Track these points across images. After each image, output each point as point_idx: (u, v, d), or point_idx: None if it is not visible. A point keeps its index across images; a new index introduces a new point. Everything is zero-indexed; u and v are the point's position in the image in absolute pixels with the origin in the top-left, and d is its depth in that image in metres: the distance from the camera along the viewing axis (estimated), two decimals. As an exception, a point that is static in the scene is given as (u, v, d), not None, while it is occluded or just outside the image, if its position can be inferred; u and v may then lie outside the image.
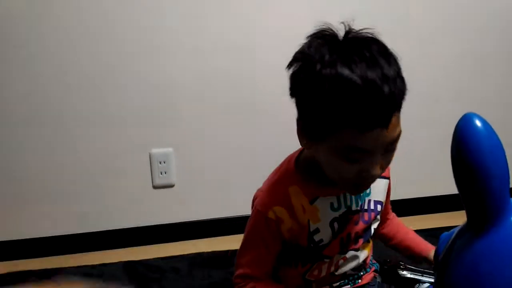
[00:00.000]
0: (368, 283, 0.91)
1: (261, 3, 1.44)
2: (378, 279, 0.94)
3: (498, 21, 1.59)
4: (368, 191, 0.84)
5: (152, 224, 1.53)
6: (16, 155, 1.42)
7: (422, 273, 0.93)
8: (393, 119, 0.66)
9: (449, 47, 1.58)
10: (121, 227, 1.51)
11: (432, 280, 0.90)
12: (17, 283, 1.32)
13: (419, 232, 1.02)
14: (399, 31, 1.51)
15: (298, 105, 0.72)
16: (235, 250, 0.87)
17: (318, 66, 0.66)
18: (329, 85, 0.65)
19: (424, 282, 0.91)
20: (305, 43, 0.71)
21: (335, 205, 0.81)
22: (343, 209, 0.81)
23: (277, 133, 1.48)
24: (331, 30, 0.71)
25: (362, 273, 0.91)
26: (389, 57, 0.67)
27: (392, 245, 1.00)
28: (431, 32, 1.56)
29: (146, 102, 1.45)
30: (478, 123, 0.51)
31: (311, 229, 0.80)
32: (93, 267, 1.38)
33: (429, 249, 0.94)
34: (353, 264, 0.87)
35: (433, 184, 1.63)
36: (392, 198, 0.95)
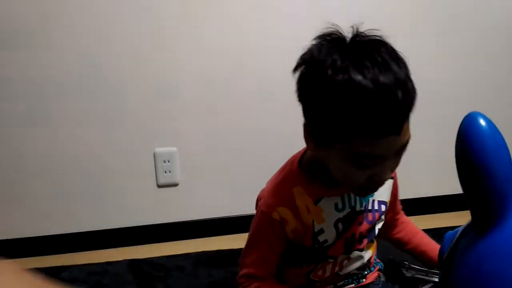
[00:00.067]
0: (372, 282, 0.91)
1: (261, 4, 1.44)
2: (382, 278, 0.94)
3: (506, 21, 1.58)
4: None
5: (157, 222, 1.53)
6: (18, 155, 1.43)
7: (426, 273, 0.93)
8: (405, 124, 0.66)
9: (457, 46, 1.57)
10: (126, 226, 1.52)
11: (436, 280, 0.90)
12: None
13: (424, 232, 1.02)
14: (405, 30, 1.50)
15: (307, 110, 0.71)
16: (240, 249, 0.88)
17: (330, 72, 0.64)
18: (341, 92, 0.63)
19: (428, 282, 0.91)
20: (313, 46, 0.70)
21: (340, 205, 0.81)
22: (347, 210, 0.81)
23: (281, 133, 1.48)
24: (339, 32, 0.69)
25: (366, 272, 0.91)
26: (399, 61, 0.66)
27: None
28: (437, 32, 1.55)
29: (150, 101, 1.45)
30: (482, 122, 0.51)
31: (316, 230, 0.80)
32: (98, 265, 1.39)
33: None
34: (357, 264, 0.87)
35: (438, 184, 1.63)
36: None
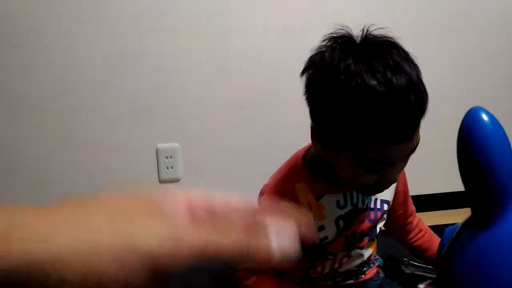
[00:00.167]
0: (371, 278, 0.92)
1: (263, 4, 1.44)
2: (381, 274, 0.95)
3: (506, 20, 1.58)
4: None
5: (158, 218, 1.54)
6: (18, 154, 1.43)
7: (425, 270, 0.94)
8: (417, 129, 0.66)
9: (458, 46, 1.58)
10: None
11: (435, 276, 0.90)
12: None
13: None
14: (406, 31, 1.50)
15: (315, 113, 0.69)
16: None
17: (343, 77, 0.63)
18: (354, 97, 0.62)
19: (427, 278, 0.91)
20: (323, 48, 0.68)
21: (341, 202, 0.81)
22: (349, 207, 0.81)
23: (282, 131, 1.49)
24: (350, 35, 0.68)
25: (365, 269, 0.91)
26: (411, 64, 0.65)
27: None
28: (438, 32, 1.55)
29: (153, 97, 1.46)
30: (484, 117, 0.50)
31: (316, 226, 0.80)
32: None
33: None
34: (357, 262, 0.87)
35: (441, 181, 1.63)
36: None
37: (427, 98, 0.66)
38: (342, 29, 0.68)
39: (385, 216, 0.88)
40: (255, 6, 1.44)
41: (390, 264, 0.96)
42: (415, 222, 0.96)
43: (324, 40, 0.69)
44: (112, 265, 0.17)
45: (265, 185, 0.85)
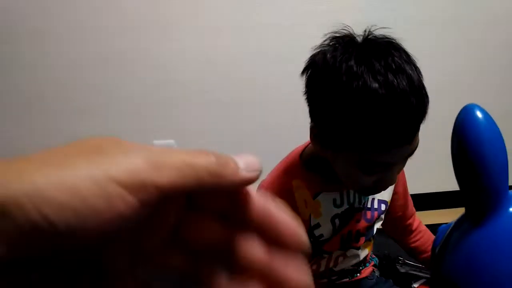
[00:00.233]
0: (366, 277, 0.92)
1: (263, 2, 1.45)
2: (377, 273, 0.95)
3: (505, 16, 1.59)
4: None
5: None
6: (16, 150, 1.43)
7: (420, 269, 0.94)
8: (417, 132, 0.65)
9: (454, 44, 1.58)
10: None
11: (429, 276, 0.90)
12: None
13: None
14: (404, 28, 1.51)
15: (315, 114, 0.69)
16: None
17: (345, 78, 0.62)
18: (356, 99, 0.61)
19: (421, 278, 0.91)
20: (326, 49, 0.67)
21: (338, 201, 0.81)
22: (345, 206, 0.81)
23: (278, 128, 1.49)
24: (352, 35, 0.68)
25: (361, 268, 0.91)
26: (412, 66, 0.64)
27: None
28: (437, 31, 1.56)
29: (148, 94, 1.46)
30: (478, 114, 0.50)
31: (312, 224, 0.80)
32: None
33: None
34: (352, 261, 0.88)
35: (435, 180, 1.63)
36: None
37: (428, 101, 0.65)
38: (344, 29, 0.68)
39: (382, 216, 0.88)
40: (253, 3, 1.44)
41: (385, 263, 0.96)
42: (415, 224, 0.96)
43: (326, 40, 0.68)
44: (98, 201, 0.17)
45: (263, 181, 0.84)
